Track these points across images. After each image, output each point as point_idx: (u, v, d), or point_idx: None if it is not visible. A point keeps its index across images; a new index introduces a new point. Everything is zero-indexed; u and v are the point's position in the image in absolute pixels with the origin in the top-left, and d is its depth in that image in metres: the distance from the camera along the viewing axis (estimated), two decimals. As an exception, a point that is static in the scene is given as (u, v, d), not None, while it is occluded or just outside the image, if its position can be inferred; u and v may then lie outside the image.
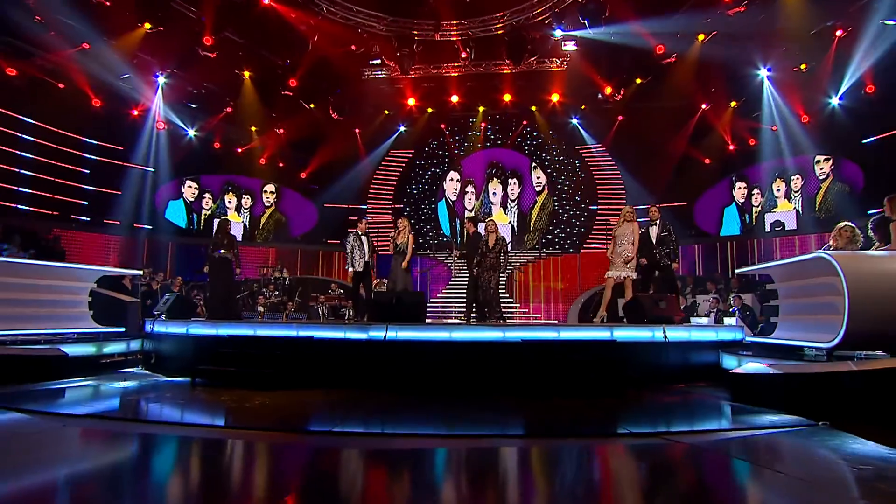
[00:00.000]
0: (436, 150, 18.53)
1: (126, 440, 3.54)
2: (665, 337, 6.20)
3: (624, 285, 7.60)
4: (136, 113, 14.46)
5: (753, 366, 4.97)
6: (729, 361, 5.86)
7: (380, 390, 5.37)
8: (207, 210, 17.03)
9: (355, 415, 4.27)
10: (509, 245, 13.75)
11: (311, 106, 15.65)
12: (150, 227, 15.26)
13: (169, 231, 15.81)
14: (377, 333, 5.93)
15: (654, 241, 7.82)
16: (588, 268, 15.20)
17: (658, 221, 7.95)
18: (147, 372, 6.51)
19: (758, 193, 15.01)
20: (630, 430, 3.90)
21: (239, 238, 15.59)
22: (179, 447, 3.39)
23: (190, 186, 16.64)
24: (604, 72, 13.81)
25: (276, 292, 13.33)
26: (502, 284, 14.02)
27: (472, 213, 14.29)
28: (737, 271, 7.12)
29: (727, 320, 8.61)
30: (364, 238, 7.90)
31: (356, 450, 3.31)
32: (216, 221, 8.82)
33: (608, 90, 14.24)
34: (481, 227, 8.18)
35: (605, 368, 5.67)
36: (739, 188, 15.41)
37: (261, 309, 12.13)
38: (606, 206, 17.44)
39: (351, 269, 7.87)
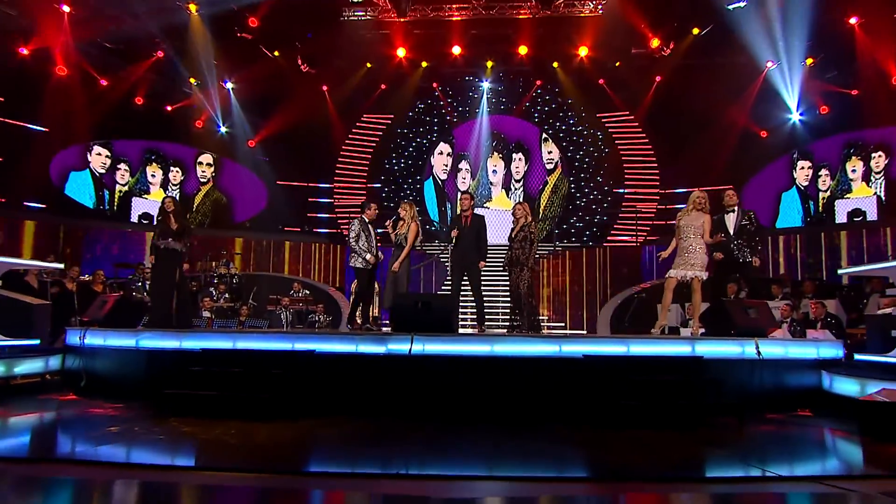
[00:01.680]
0: (423, 115, 18.57)
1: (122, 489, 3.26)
2: (758, 353, 6.11)
3: (691, 288, 7.54)
4: (25, 52, 13.72)
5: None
6: (845, 385, 5.82)
7: (403, 418, 5.27)
8: (123, 185, 16.57)
9: (373, 451, 4.17)
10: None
11: (276, 54, 15.33)
12: (44, 206, 14.64)
13: (71, 211, 15.22)
14: (400, 346, 5.76)
15: (731, 233, 7.79)
16: (615, 265, 15.31)
17: (736, 208, 7.94)
18: (78, 398, 6.18)
19: (826, 175, 15.30)
20: (770, 473, 3.77)
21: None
22: None
23: (99, 154, 16.14)
24: (651, 18, 13.74)
25: (226, 294, 13.05)
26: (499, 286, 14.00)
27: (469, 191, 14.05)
28: (842, 272, 7.13)
29: (812, 333, 8.60)
30: (371, 228, 7.97)
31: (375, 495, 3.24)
32: (162, 200, 8.48)
33: (654, 42, 14.17)
34: (511, 212, 8.18)
35: (687, 391, 5.60)
36: (802, 168, 15.74)
37: (207, 314, 11.82)
38: (636, 190, 17.82)
39: (359, 265, 7.84)
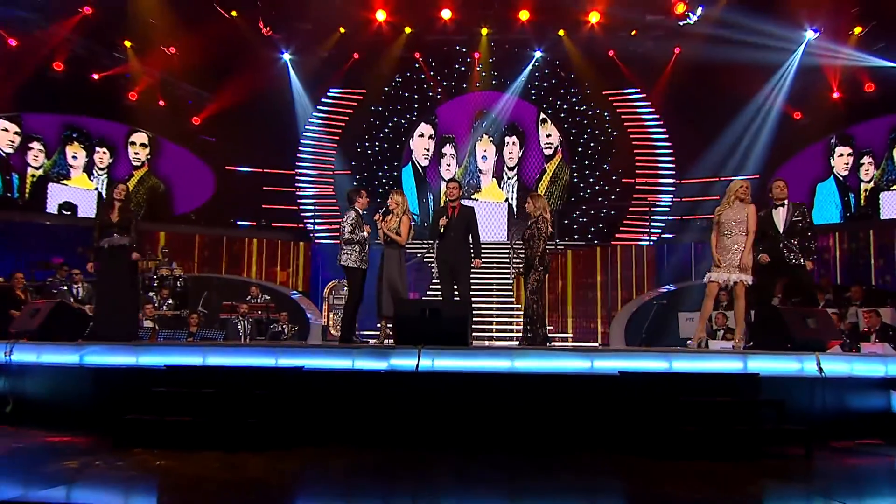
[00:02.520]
0: (402, 90, 18.57)
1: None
2: (820, 370, 6.14)
3: (734, 294, 7.57)
4: None
5: None
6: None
7: (411, 446, 5.29)
8: (37, 168, 16.20)
9: (380, 488, 4.21)
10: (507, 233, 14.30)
11: (233, 14, 15.20)
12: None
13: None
14: (405, 362, 5.73)
15: (780, 231, 7.84)
16: (624, 266, 15.45)
17: (786, 202, 7.98)
18: (2, 427, 6.00)
19: (869, 163, 15.45)
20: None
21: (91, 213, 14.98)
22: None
23: (6, 130, 15.79)
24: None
25: (170, 300, 12.88)
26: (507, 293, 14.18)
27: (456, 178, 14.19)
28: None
29: (867, 347, 8.68)
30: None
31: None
32: (113, 188, 8.36)
33: (680, 7, 14.39)
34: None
35: (742, 414, 5.59)
36: (841, 155, 15.93)
37: (149, 324, 11.64)
38: (649, 179, 18.12)
39: (351, 264, 7.90)
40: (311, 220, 17.25)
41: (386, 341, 7.83)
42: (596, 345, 13.60)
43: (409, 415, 5.61)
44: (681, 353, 6.44)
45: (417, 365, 5.70)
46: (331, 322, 13.65)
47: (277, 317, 12.71)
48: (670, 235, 17.25)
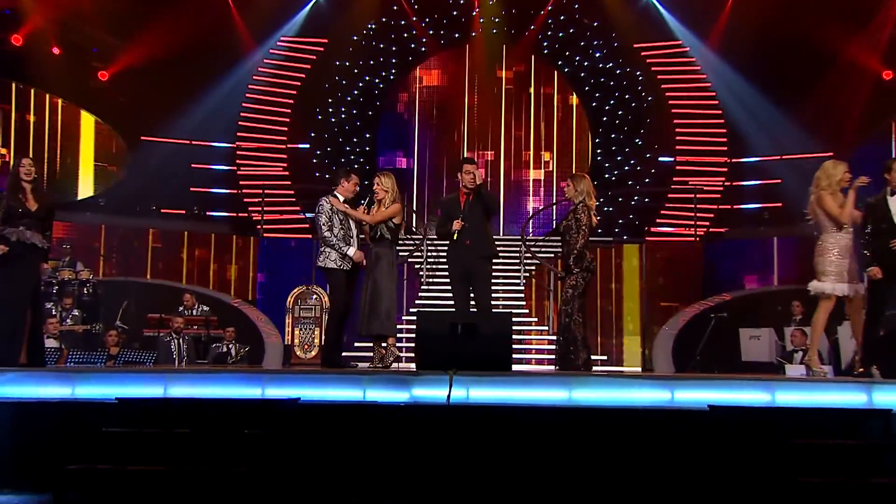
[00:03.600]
0: (376, 40, 18.53)
1: None
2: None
3: (851, 306, 7.63)
4: None
5: None
6: None
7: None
8: None
9: None
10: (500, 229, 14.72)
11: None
12: None
13: None
14: (431, 392, 5.78)
15: (898, 225, 7.73)
16: (663, 270, 15.46)
17: (904, 186, 7.88)
18: None
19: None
20: None
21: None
22: None
23: None
24: None
25: (75, 311, 12.62)
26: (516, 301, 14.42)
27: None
28: None
29: None
30: (348, 210, 8.18)
31: None
32: (16, 163, 8.16)
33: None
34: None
35: (880, 463, 5.54)
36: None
37: (53, 342, 11.35)
38: (693, 158, 18.08)
39: (331, 264, 8.00)
40: (259, 209, 16.91)
41: (395, 365, 7.90)
42: (676, 373, 12.97)
43: (437, 460, 5.54)
44: (784, 382, 6.42)
45: (449, 395, 5.73)
46: (296, 340, 13.20)
47: (221, 333, 12.58)
48: (721, 230, 17.24)
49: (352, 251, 7.92)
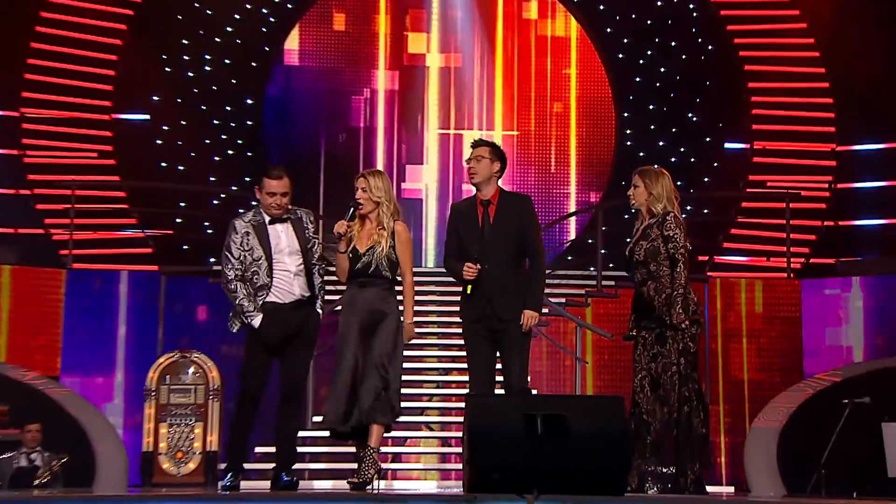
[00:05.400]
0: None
1: None
2: None
3: None
4: None
5: None
6: None
7: None
8: None
9: None
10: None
11: None
12: None
13: None
14: None
15: None
16: (739, 324, 12.85)
17: None
18: None
19: None
20: None
21: None
22: None
23: None
24: None
25: None
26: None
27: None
28: None
29: None
30: (288, 231, 6.88)
31: None
32: None
33: None
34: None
35: None
36: None
37: None
38: (777, 143, 15.86)
39: (245, 321, 6.79)
40: (67, 224, 13.54)
41: (379, 484, 6.95)
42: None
43: None
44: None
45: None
46: (162, 443, 11.12)
47: (17, 434, 10.85)
48: (829, 260, 14.05)
49: (258, 320, 6.66)
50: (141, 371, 11.30)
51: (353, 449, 7.35)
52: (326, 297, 7.61)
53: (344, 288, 7.09)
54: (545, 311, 10.69)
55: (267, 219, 6.60)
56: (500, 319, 6.68)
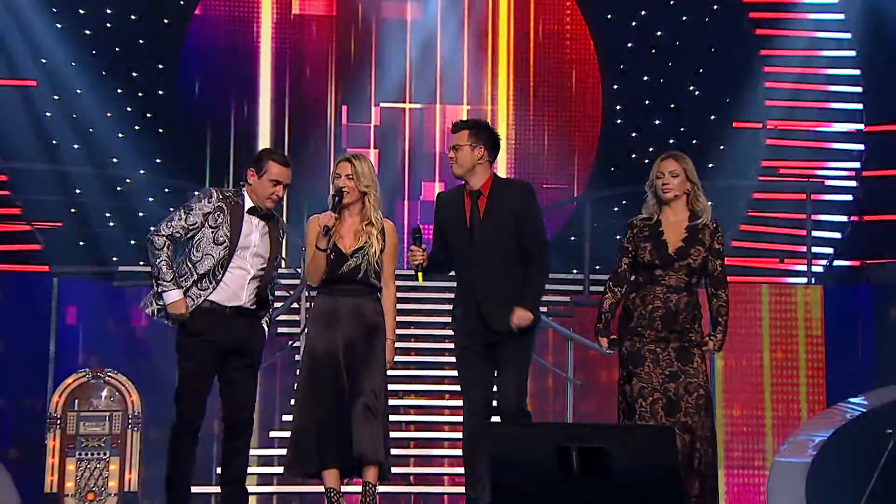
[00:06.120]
0: None
1: None
2: None
3: None
4: None
5: None
6: None
7: None
8: None
9: None
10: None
11: None
12: None
13: None
14: None
15: None
16: (746, 338, 11.95)
17: None
18: None
19: None
20: None
21: None
22: None
23: None
24: None
25: None
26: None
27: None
28: None
29: None
30: (268, 230, 6.21)
31: None
32: None
33: None
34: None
35: None
36: None
37: None
38: (793, 123, 15.18)
39: (164, 319, 6.42)
40: None
41: None
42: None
43: None
44: None
45: None
46: (69, 482, 9.46)
47: None
48: (855, 263, 13.56)
49: (173, 295, 5.93)
50: (36, 395, 10.17)
51: (320, 488, 6.39)
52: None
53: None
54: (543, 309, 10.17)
55: (248, 206, 5.97)
56: (495, 332, 6.13)
